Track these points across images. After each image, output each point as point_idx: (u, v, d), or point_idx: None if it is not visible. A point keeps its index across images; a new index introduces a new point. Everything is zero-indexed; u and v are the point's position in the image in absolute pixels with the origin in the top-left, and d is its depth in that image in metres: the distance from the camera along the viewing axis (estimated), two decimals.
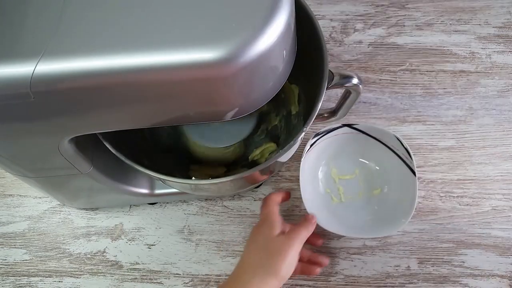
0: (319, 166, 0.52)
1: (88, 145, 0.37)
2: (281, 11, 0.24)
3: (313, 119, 0.35)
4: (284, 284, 0.49)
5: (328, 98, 0.58)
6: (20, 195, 0.54)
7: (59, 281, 0.50)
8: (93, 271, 0.51)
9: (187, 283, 0.50)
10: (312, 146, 0.50)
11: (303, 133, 0.35)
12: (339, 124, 0.50)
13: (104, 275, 0.50)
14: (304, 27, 0.36)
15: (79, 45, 0.24)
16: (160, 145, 0.48)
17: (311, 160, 0.50)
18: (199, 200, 0.54)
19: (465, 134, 0.57)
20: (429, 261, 0.50)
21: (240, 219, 0.53)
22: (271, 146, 0.47)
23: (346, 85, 0.38)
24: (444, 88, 0.59)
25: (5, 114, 0.27)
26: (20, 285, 0.50)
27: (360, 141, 0.51)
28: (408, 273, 0.50)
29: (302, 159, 0.48)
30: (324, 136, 0.50)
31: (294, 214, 0.53)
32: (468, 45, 0.62)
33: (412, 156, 0.48)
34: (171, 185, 0.43)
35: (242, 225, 0.52)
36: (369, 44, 0.62)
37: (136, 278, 0.50)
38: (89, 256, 0.51)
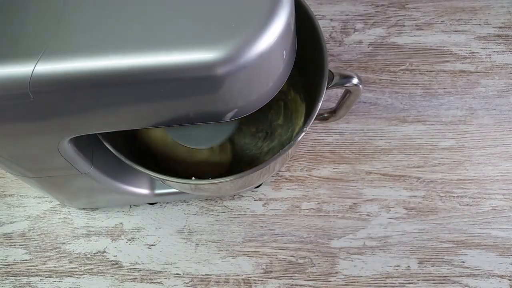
0: None
1: (88, 145, 0.37)
2: (281, 11, 0.24)
3: (313, 119, 0.35)
4: (284, 284, 0.50)
5: (328, 98, 0.58)
6: (20, 195, 0.54)
7: (59, 281, 0.50)
8: (93, 271, 0.51)
9: (187, 283, 0.50)
10: None
11: (303, 133, 0.35)
12: None
13: (104, 275, 0.50)
14: (304, 27, 0.36)
15: (79, 45, 0.24)
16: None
17: None
18: (199, 200, 0.54)
19: (465, 134, 0.57)
20: (429, 261, 0.50)
21: (240, 219, 0.53)
22: None
23: (346, 85, 0.38)
24: (444, 88, 0.59)
25: (4, 114, 0.27)
26: (20, 285, 0.50)
27: None
28: (408, 273, 0.50)
29: None
30: None
31: (294, 214, 0.53)
32: (468, 45, 0.61)
33: None
34: (171, 185, 0.43)
35: (242, 225, 0.52)
36: (369, 44, 0.62)
37: (136, 278, 0.50)
38: (89, 256, 0.51)
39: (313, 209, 0.53)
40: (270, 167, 0.37)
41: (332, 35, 0.63)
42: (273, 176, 0.55)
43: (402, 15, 0.64)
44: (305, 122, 0.36)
